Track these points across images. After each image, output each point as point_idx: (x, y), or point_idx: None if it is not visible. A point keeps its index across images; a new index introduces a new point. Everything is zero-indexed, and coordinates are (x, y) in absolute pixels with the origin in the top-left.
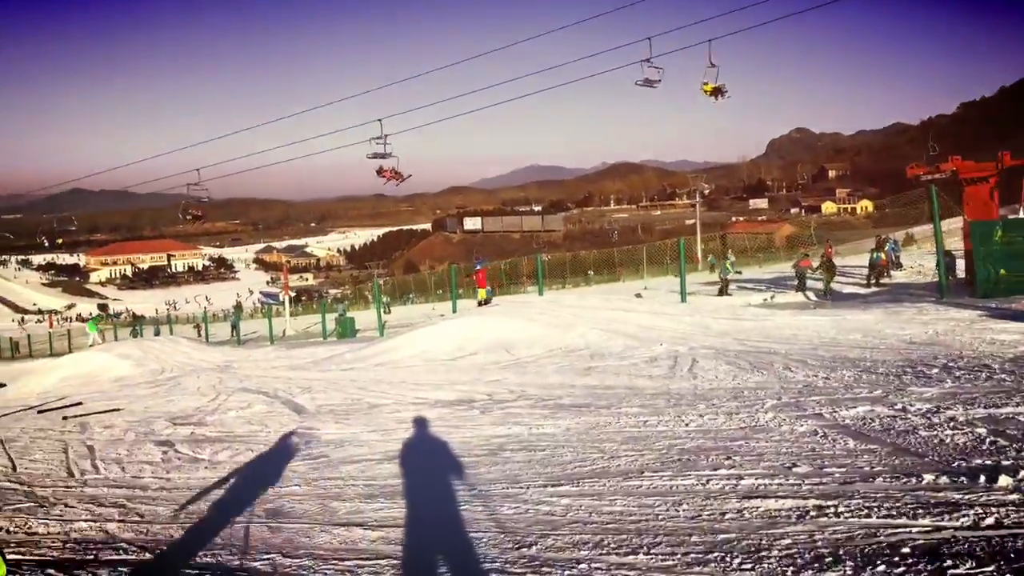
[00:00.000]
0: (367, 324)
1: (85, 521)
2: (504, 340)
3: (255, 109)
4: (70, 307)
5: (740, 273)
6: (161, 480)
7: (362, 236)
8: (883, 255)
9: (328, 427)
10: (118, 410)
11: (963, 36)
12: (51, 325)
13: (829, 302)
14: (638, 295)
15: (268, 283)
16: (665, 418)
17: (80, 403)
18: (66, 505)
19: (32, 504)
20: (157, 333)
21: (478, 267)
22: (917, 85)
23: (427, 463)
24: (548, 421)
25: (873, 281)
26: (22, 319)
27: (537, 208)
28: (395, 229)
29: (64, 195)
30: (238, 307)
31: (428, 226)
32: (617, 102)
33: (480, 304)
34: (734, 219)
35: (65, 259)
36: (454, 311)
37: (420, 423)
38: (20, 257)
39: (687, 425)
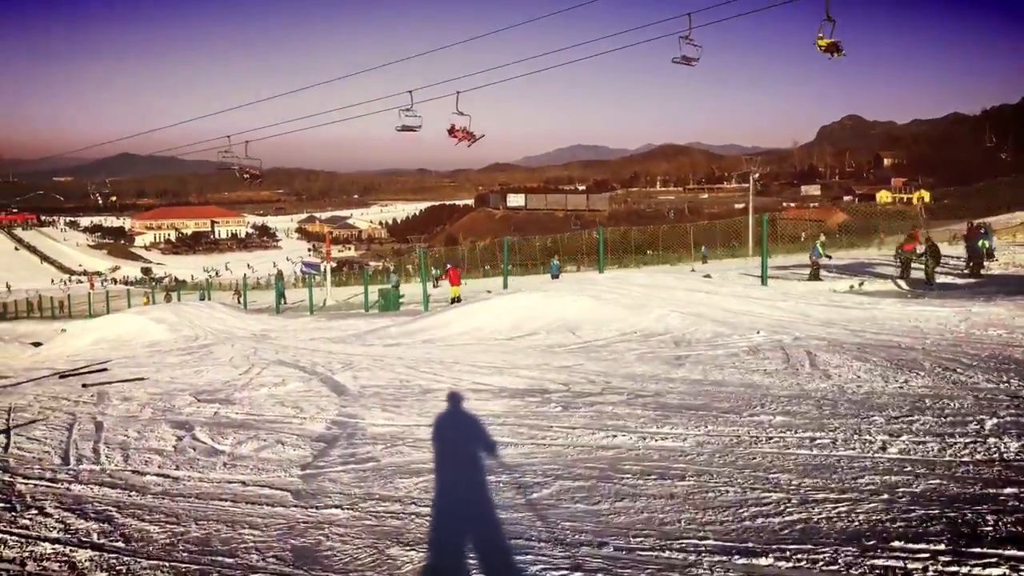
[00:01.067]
0: (409, 298)
1: (53, 542)
2: (568, 320)
3: (298, 77)
4: (115, 269)
5: (830, 258)
6: (167, 480)
7: (405, 210)
8: (987, 243)
9: (375, 416)
10: (142, 379)
11: None
12: (92, 286)
13: (932, 291)
14: (707, 276)
15: (309, 251)
16: (838, 436)
17: (105, 368)
18: (41, 511)
19: (2, 506)
20: (203, 298)
21: (449, 266)
22: (977, 74)
23: (517, 486)
24: (663, 428)
25: (970, 271)
26: (68, 279)
27: (581, 187)
28: (438, 204)
29: (113, 159)
30: (279, 275)
31: (471, 202)
32: (665, 83)
33: (453, 302)
34: (785, 205)
35: (112, 222)
36: (504, 287)
37: (489, 420)
38: (68, 219)
39: (884, 450)
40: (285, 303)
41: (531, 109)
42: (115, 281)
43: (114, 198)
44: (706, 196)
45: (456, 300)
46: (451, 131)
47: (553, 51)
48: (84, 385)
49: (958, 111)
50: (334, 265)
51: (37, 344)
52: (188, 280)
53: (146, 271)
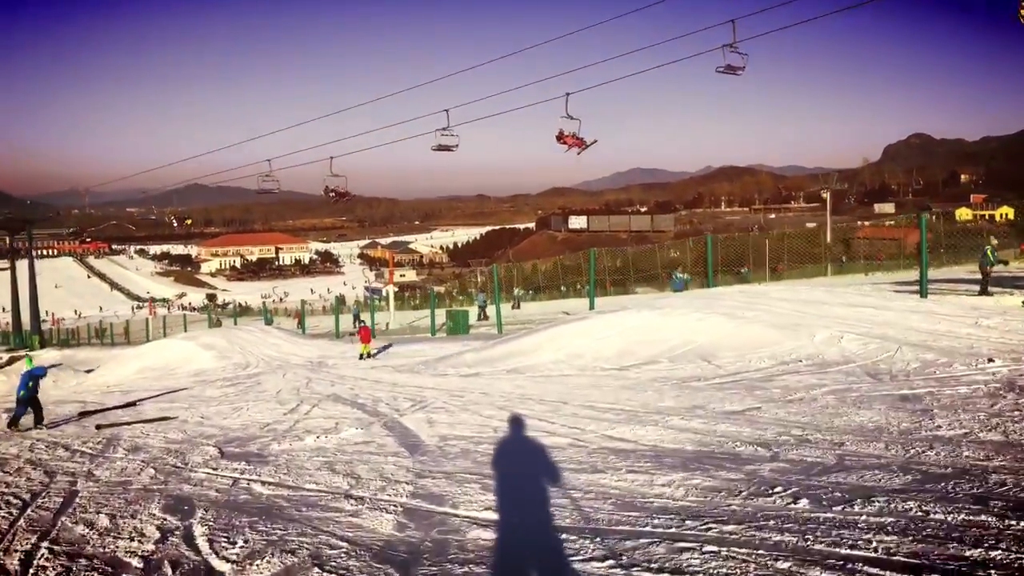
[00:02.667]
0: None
1: None
2: (697, 344)
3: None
4: (181, 296)
5: (1006, 264)
6: None
7: (465, 234)
8: None
9: (472, 501)
10: (167, 420)
11: None
12: (151, 313)
13: None
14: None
15: (374, 274)
16: None
17: (136, 403)
18: None
19: None
20: (269, 322)
21: (361, 325)
22: None
23: None
24: None
25: None
26: (136, 306)
27: (643, 209)
28: (497, 228)
29: (183, 189)
30: (340, 300)
31: (531, 225)
32: (720, 104)
33: (362, 357)
34: (860, 223)
35: (179, 250)
36: (591, 307)
37: (693, 528)
38: (137, 247)
39: None
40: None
41: (586, 133)
42: (181, 307)
43: (189, 221)
44: (773, 216)
45: (365, 356)
46: (560, 137)
47: (597, 62)
48: (98, 427)
49: None
50: (396, 289)
51: (89, 371)
52: (248, 305)
53: (211, 297)
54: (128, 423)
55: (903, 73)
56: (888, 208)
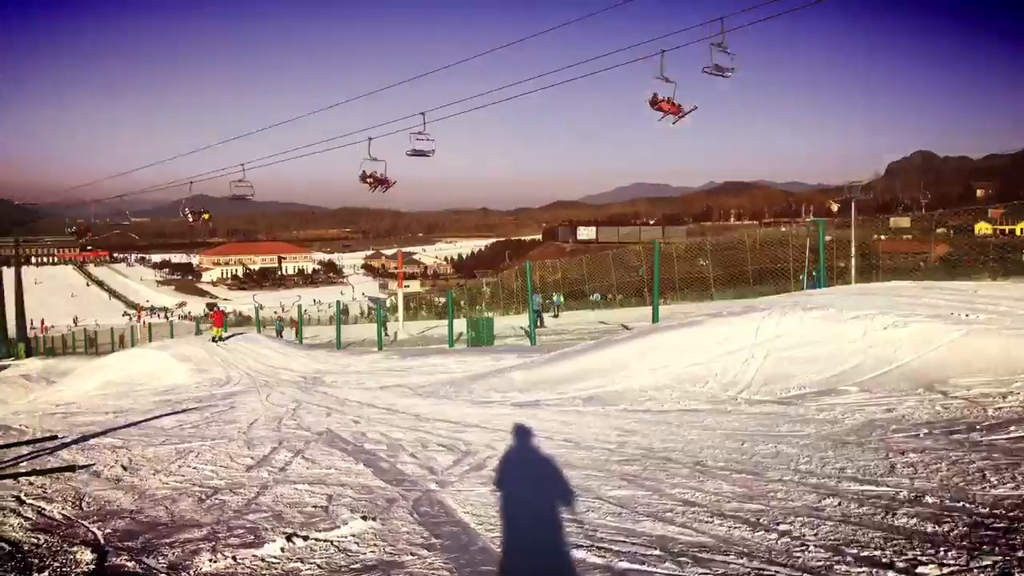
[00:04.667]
0: (499, 330)
1: None
2: (901, 363)
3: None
4: (181, 305)
5: None
6: None
7: (469, 246)
8: None
9: None
10: (75, 469)
11: None
12: (139, 320)
13: None
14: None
15: (378, 284)
16: None
17: (55, 436)
18: None
19: None
20: (280, 332)
21: (217, 308)
22: None
23: None
24: None
25: None
26: (124, 313)
27: (652, 221)
28: (503, 239)
29: (189, 200)
30: (341, 308)
31: (537, 237)
32: (722, 121)
33: (214, 340)
34: (876, 237)
35: (180, 258)
36: (655, 320)
37: None
38: (138, 255)
39: None
40: (387, 335)
41: (589, 148)
42: (181, 316)
43: (207, 216)
44: (784, 229)
45: (218, 339)
46: (653, 103)
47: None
48: None
49: None
50: (407, 288)
51: (52, 382)
52: (247, 315)
53: (211, 306)
54: (14, 475)
55: (905, 91)
56: (904, 222)
